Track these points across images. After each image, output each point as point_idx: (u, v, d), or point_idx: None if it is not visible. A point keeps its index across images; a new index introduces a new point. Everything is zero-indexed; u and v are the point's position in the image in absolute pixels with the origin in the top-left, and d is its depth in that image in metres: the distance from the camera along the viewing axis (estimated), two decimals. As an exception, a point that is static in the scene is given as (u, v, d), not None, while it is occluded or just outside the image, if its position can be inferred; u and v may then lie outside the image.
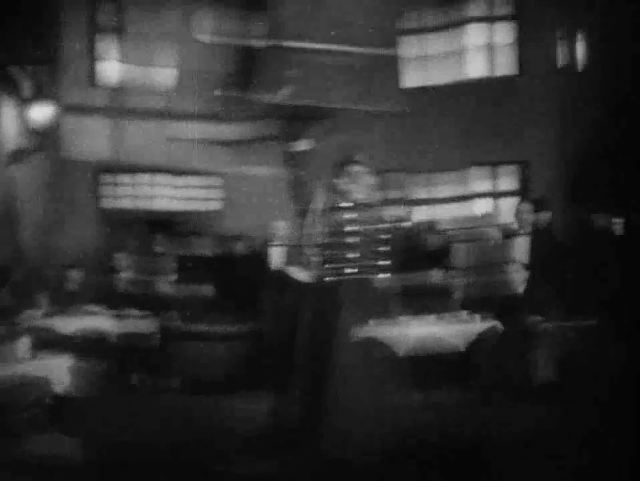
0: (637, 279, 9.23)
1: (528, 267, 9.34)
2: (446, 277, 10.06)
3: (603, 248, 9.72)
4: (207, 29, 14.05)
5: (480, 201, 14.95)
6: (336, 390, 5.59)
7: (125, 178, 15.11)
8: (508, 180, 14.99)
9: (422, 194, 15.27)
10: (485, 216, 10.73)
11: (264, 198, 13.38)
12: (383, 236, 5.96)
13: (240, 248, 11.65)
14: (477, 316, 9.03)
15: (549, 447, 6.71)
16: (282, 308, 9.62)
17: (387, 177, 14.30)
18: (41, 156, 14.18)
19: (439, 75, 15.19)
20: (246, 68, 13.59)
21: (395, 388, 5.83)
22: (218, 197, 15.16)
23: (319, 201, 5.99)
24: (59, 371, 6.29)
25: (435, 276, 9.90)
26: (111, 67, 15.07)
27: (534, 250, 9.45)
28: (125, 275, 11.48)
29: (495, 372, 9.03)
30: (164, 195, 15.15)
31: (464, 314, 9.06)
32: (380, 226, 5.97)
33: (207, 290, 11.19)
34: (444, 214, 14.72)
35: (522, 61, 14.81)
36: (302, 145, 13.72)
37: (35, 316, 9.84)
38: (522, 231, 9.72)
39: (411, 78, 15.07)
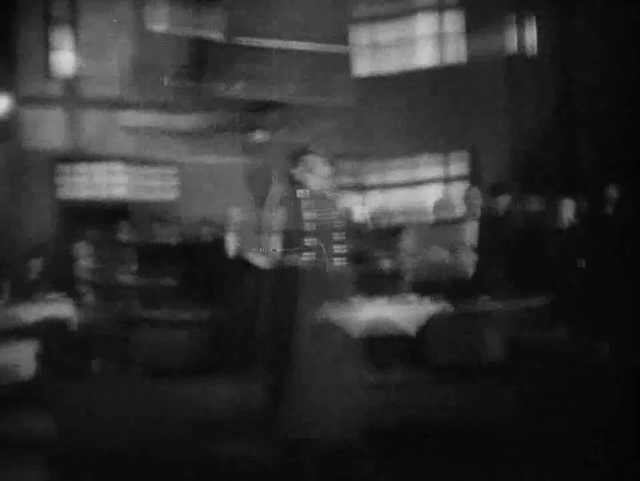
0: (583, 261, 9.51)
1: (477, 250, 9.50)
2: (397, 261, 10.28)
3: (551, 231, 9.92)
4: (160, 20, 14.11)
5: (430, 187, 15.12)
6: (297, 373, 5.70)
7: (82, 168, 15.11)
8: (457, 166, 15.20)
9: (375, 180, 15.46)
10: (435, 201, 10.88)
11: (220, 187, 13.46)
12: (338, 224, 6.08)
13: (198, 235, 11.71)
14: (428, 299, 9.31)
15: (500, 424, 6.91)
16: (242, 293, 9.74)
17: (341, 164, 14.45)
18: (-1, 147, 14.19)
19: (390, 64, 15.38)
20: (200, 59, 13.62)
21: (351, 368, 5.93)
22: (175, 186, 15.20)
23: (276, 189, 6.14)
24: (25, 357, 6.44)
25: (388, 260, 10.13)
26: (66, 58, 15.06)
27: (483, 233, 9.63)
28: (84, 264, 11.53)
29: (446, 352, 9.24)
30: (121, 184, 15.15)
31: (415, 297, 9.33)
32: (335, 213, 6.11)
33: (167, 277, 11.26)
34: (396, 199, 14.91)
35: (472, 49, 14.93)
36: (258, 136, 13.85)
37: (-3, 305, 9.91)
38: (470, 215, 9.90)
39: (363, 67, 15.19)
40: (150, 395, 9.27)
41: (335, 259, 5.98)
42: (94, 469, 6.10)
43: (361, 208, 10.99)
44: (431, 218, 10.35)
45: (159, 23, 14.02)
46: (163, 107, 14.21)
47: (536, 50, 14.36)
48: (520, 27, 14.49)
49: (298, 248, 5.90)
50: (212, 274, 10.85)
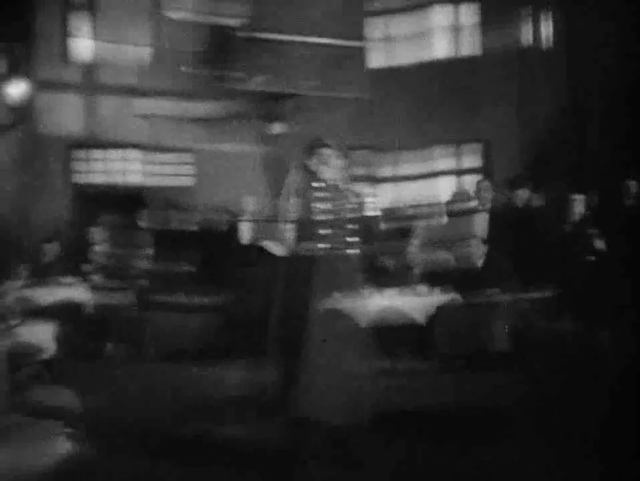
0: (592, 254, 9.60)
1: (486, 242, 9.62)
2: (408, 253, 10.38)
3: (560, 224, 10.02)
4: (179, 7, 14.17)
5: (442, 179, 15.18)
6: (308, 358, 5.83)
7: (98, 153, 15.25)
8: (470, 159, 15.25)
9: (388, 172, 15.55)
10: (451, 193, 10.97)
11: (236, 175, 13.62)
12: (350, 215, 6.23)
13: (214, 222, 11.87)
14: (437, 290, 9.42)
15: (506, 413, 7.03)
16: (256, 280, 9.87)
17: (355, 156, 14.56)
18: (16, 132, 14.35)
19: (404, 56, 15.38)
20: (219, 48, 13.71)
21: (361, 356, 6.06)
22: (191, 173, 15.32)
23: (292, 179, 6.29)
24: (42, 337, 6.61)
25: (398, 251, 10.22)
26: (84, 44, 15.19)
27: (494, 226, 9.74)
28: (100, 248, 11.64)
29: (454, 342, 9.37)
30: (137, 170, 15.31)
31: (424, 287, 9.43)
32: (348, 204, 6.25)
33: (182, 263, 11.36)
34: (408, 191, 14.98)
35: (486, 42, 14.89)
36: (274, 127, 13.96)
37: (15, 288, 10.03)
38: (481, 207, 10.00)
39: (377, 59, 15.24)
40: (163, 378, 9.45)
41: (348, 249, 6.13)
42: (109, 444, 6.32)
43: (373, 199, 11.06)
44: (442, 210, 10.44)
45: (178, 10, 14.07)
46: (180, 94, 14.29)
47: (550, 43, 14.36)
48: (535, 19, 14.51)
49: (311, 238, 6.05)
50: (226, 260, 10.99)
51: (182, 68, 13.84)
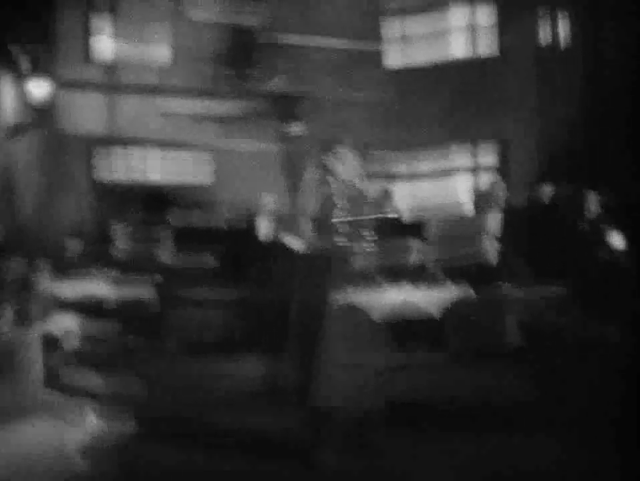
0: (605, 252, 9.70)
1: (500, 239, 9.77)
2: (423, 248, 10.52)
3: (574, 222, 10.13)
4: (200, 7, 14.32)
5: (459, 177, 15.27)
6: (325, 352, 5.97)
7: (119, 151, 15.44)
8: (487, 157, 15.33)
9: (404, 170, 15.64)
10: (463, 192, 11.10)
11: (255, 173, 13.78)
12: (367, 212, 6.37)
13: (233, 219, 11.98)
14: (451, 285, 9.58)
15: (518, 405, 7.20)
16: (275, 275, 9.99)
17: (371, 154, 14.69)
18: (38, 131, 14.48)
19: (421, 56, 15.47)
20: (239, 49, 13.87)
21: (376, 350, 6.19)
22: (211, 171, 15.46)
23: (309, 177, 6.44)
24: (71, 328, 6.85)
25: (413, 247, 10.37)
26: (105, 44, 15.37)
27: (508, 223, 9.88)
28: (122, 245, 11.78)
29: (467, 336, 9.51)
30: (157, 168, 15.48)
31: (439, 282, 9.60)
32: (364, 201, 6.40)
33: (202, 259, 11.51)
34: (425, 189, 15.08)
35: (503, 41, 14.98)
36: (293, 127, 14.10)
37: (40, 283, 10.24)
38: (495, 206, 10.13)
39: (394, 59, 15.39)
40: (184, 370, 9.64)
41: (364, 244, 6.27)
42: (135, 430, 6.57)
43: (389, 197, 11.18)
44: (457, 208, 10.57)
45: (198, 11, 14.23)
46: (200, 93, 14.44)
47: (567, 42, 14.39)
48: (552, 19, 14.52)
49: (329, 234, 6.20)
50: (246, 256, 10.99)
51: (202, 68, 13.99)
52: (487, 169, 15.09)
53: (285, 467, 5.85)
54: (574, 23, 14.32)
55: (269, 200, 10.93)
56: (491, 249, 9.73)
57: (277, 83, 13.55)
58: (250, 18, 13.98)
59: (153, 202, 13.21)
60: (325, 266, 6.13)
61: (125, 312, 10.90)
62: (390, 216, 10.17)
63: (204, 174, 15.50)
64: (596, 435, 6.03)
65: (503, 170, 14.73)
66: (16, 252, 10.77)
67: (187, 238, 11.68)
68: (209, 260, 11.56)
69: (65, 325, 6.23)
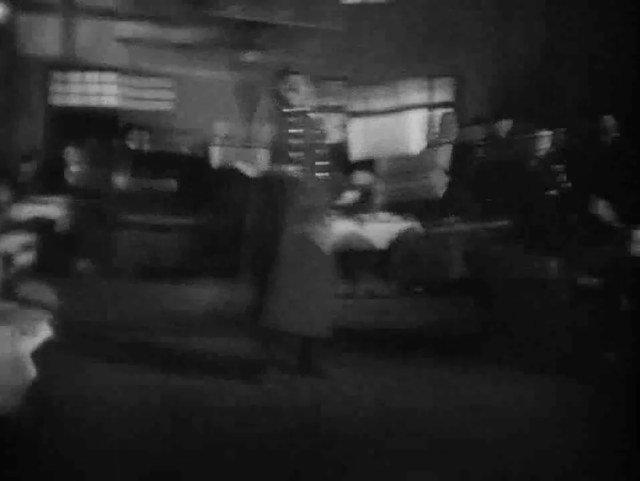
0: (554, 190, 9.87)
1: (449, 173, 9.94)
2: (371, 181, 10.65)
3: (524, 159, 10.27)
4: None
5: (414, 113, 15.17)
6: (278, 276, 6.13)
7: (75, 76, 15.28)
8: (442, 93, 15.40)
9: (358, 104, 15.66)
10: (417, 128, 11.17)
11: (211, 100, 13.72)
12: (320, 141, 6.49)
13: (191, 145, 12.04)
14: (399, 217, 9.75)
15: (461, 335, 7.53)
16: (229, 201, 10.08)
17: (326, 86, 14.79)
18: (-5, 52, 14.36)
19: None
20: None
21: (325, 278, 6.37)
22: (168, 97, 15.38)
23: (264, 105, 6.54)
24: (17, 248, 6.96)
25: (362, 180, 10.51)
26: (63, -34, 15.08)
27: (458, 158, 10.02)
28: (75, 168, 11.79)
29: (412, 268, 9.72)
30: (114, 93, 15.35)
31: (386, 215, 9.76)
32: (317, 131, 6.52)
33: (157, 184, 11.54)
34: (377, 123, 15.13)
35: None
36: (249, 55, 14.07)
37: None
38: (446, 139, 10.24)
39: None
40: (134, 293, 9.76)
41: (317, 173, 6.41)
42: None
43: (342, 129, 11.25)
44: (411, 143, 10.66)
45: None
46: (159, 19, 14.36)
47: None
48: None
49: (283, 162, 6.33)
50: (201, 182, 11.20)
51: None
52: (442, 105, 15.04)
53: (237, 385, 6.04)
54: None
55: (223, 128, 10.96)
56: (439, 183, 9.87)
57: (235, 10, 13.49)
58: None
59: (110, 126, 13.18)
60: (279, 193, 6.25)
61: (76, 235, 10.99)
62: (341, 147, 10.32)
63: (161, 101, 15.41)
64: (539, 364, 6.33)
65: (458, 106, 14.74)
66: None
67: (142, 163, 11.66)
68: (164, 185, 11.58)
69: (20, 242, 6.34)
